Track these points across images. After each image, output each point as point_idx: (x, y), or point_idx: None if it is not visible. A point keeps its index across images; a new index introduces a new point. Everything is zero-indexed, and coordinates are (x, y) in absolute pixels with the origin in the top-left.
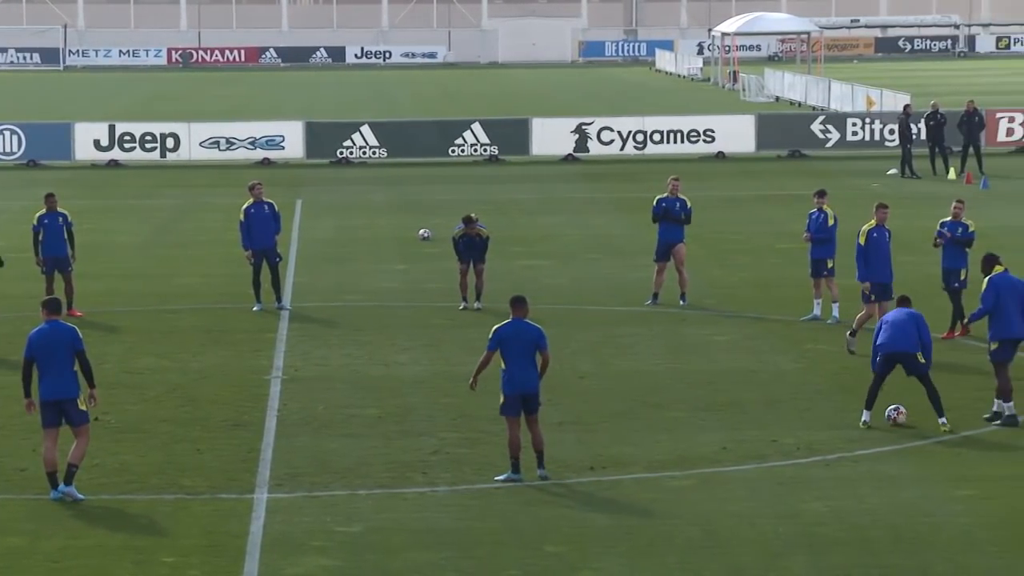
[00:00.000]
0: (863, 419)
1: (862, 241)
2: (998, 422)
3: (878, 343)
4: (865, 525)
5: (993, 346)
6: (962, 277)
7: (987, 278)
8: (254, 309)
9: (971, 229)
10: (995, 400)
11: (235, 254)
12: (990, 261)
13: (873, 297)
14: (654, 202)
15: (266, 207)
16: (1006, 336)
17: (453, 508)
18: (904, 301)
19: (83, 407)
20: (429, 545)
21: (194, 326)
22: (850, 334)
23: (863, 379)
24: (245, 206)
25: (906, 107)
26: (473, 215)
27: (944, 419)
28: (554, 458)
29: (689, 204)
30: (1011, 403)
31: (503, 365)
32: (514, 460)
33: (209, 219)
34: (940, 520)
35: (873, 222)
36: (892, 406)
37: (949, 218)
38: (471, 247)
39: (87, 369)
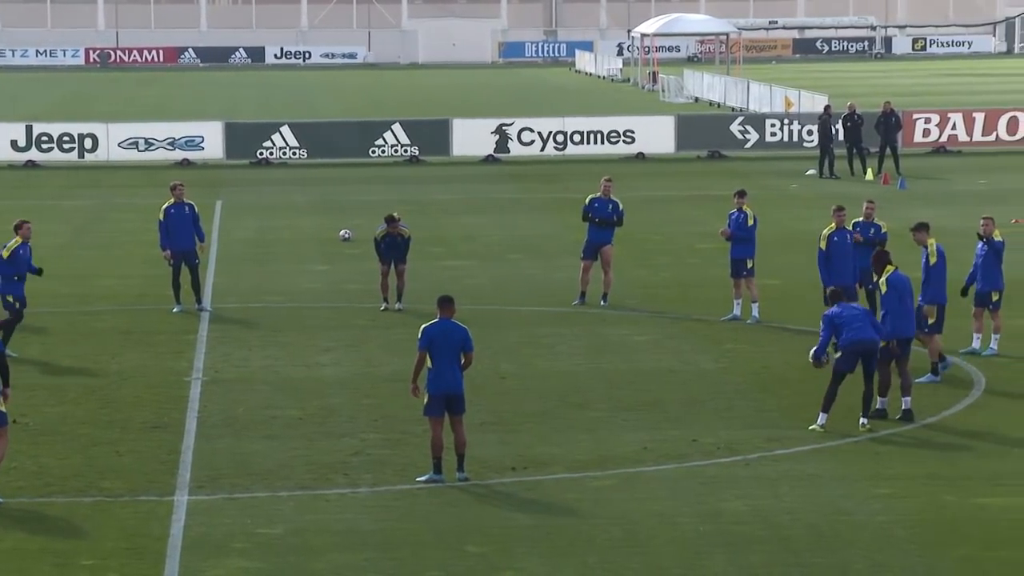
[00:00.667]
0: (819, 422)
1: (823, 246)
2: (898, 417)
3: (844, 341)
4: (785, 524)
5: (882, 344)
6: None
7: (884, 279)
8: (174, 310)
9: (884, 229)
10: (903, 399)
11: (154, 255)
12: (882, 259)
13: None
14: (586, 201)
15: (187, 208)
16: (901, 335)
17: (375, 509)
18: (836, 296)
19: (2, 408)
20: (351, 546)
21: (113, 327)
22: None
23: (782, 379)
24: (165, 206)
25: (827, 108)
26: (395, 214)
27: (866, 420)
28: (476, 458)
29: (621, 206)
30: (886, 398)
31: (429, 365)
32: (436, 461)
33: (128, 220)
34: (859, 519)
35: (833, 226)
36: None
37: (861, 219)
38: (393, 247)
39: (4, 370)
